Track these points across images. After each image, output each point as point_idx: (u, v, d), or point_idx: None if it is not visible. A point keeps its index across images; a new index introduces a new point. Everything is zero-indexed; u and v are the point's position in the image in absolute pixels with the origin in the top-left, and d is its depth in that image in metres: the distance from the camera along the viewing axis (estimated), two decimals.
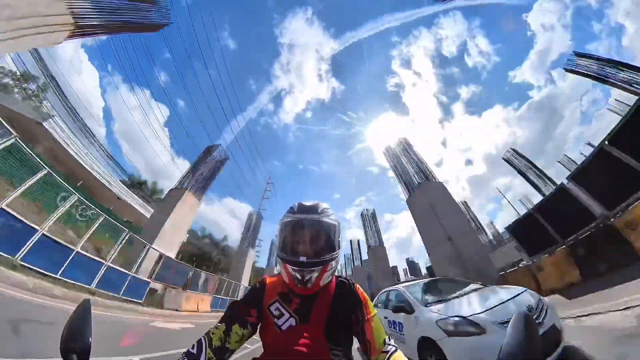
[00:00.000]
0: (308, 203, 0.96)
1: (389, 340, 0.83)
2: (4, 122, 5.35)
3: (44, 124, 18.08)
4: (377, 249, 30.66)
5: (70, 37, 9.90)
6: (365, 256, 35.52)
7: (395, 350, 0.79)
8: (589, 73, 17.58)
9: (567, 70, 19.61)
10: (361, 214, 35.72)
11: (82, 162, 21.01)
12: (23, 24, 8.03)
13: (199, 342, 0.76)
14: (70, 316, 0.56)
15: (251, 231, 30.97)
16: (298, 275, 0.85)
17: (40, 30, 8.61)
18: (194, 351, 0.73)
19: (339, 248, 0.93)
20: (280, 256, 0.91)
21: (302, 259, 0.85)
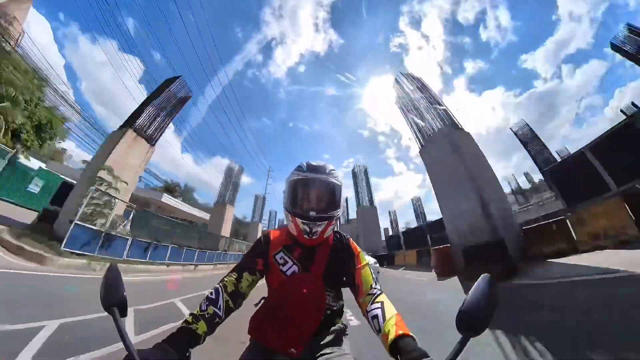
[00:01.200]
0: (316, 163, 1.04)
1: (375, 285, 0.96)
2: None
3: None
4: (367, 210, 28.97)
5: None
6: (353, 215, 34.11)
7: (380, 293, 0.92)
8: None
9: (613, 47, 16.12)
10: (352, 171, 33.15)
11: None
12: None
13: (216, 289, 0.88)
14: (103, 278, 0.65)
15: (231, 186, 27.91)
16: (307, 228, 0.97)
17: None
18: (213, 296, 0.86)
19: (340, 207, 1.03)
20: (290, 211, 1.00)
21: (312, 214, 0.96)
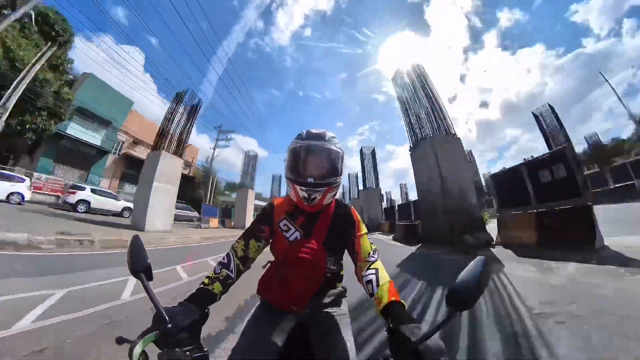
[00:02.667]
0: (316, 130, 1.06)
1: (373, 253, 1.02)
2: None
3: None
4: (372, 190, 30.14)
5: None
6: (361, 187, 35.25)
7: (376, 261, 0.99)
8: None
9: None
10: (360, 150, 33.38)
11: None
12: None
13: (228, 254, 0.99)
14: (129, 248, 0.73)
15: (250, 172, 29.50)
16: (305, 194, 1.00)
17: None
18: (225, 261, 0.96)
19: (341, 174, 1.05)
20: (290, 178, 1.03)
21: (310, 180, 0.99)
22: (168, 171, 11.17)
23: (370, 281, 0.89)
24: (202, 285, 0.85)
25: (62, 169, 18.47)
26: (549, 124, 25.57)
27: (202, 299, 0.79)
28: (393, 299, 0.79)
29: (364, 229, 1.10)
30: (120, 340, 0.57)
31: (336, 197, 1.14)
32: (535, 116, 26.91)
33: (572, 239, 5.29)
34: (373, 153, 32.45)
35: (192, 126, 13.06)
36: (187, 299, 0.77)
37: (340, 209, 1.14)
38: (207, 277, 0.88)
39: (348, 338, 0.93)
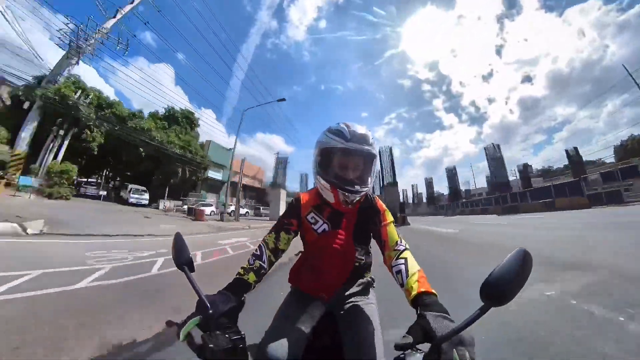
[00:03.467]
0: (360, 131, 0.97)
1: (401, 242, 1.00)
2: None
3: None
4: (390, 187, 35.07)
5: None
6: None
7: (405, 250, 0.95)
8: None
9: None
10: (378, 151, 42.11)
11: None
12: None
13: (260, 247, 1.03)
14: (172, 244, 0.81)
15: (281, 172, 37.90)
16: (347, 199, 1.01)
17: None
18: (258, 253, 1.00)
19: (375, 176, 1.08)
20: (329, 180, 1.01)
21: (357, 187, 0.99)
22: (279, 195, 27.25)
23: (399, 271, 0.87)
24: (238, 276, 0.90)
25: (209, 195, 35.72)
26: None
27: (238, 288, 0.85)
28: (423, 289, 0.76)
29: (389, 218, 1.10)
30: (169, 323, 0.66)
31: None
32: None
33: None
34: (390, 152, 40.34)
35: (285, 174, 27.44)
36: (225, 288, 0.83)
37: (366, 200, 1.12)
38: (242, 267, 0.93)
39: (375, 327, 0.94)
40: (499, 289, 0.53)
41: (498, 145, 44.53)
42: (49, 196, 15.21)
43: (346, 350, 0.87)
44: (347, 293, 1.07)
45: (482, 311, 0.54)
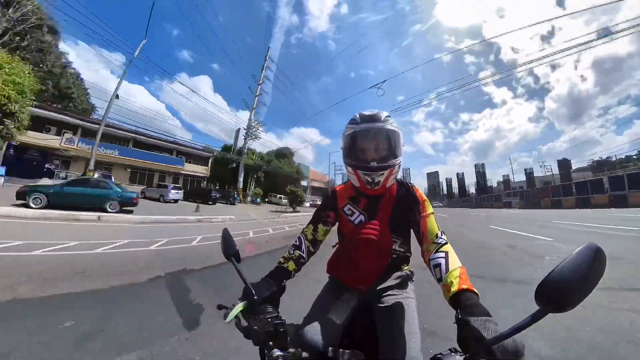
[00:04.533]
0: (369, 112, 1.03)
1: (441, 235, 0.95)
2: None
3: None
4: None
5: None
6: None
7: (446, 243, 0.90)
8: None
9: None
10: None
11: None
12: None
13: (299, 238, 1.07)
14: (221, 238, 0.91)
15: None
16: (369, 179, 1.00)
17: None
18: (297, 243, 1.05)
19: (401, 154, 1.03)
20: (350, 164, 1.04)
21: (372, 164, 0.98)
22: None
23: (438, 265, 0.82)
24: (278, 264, 0.97)
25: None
26: None
27: (279, 276, 0.92)
28: (464, 286, 0.70)
29: (429, 209, 1.06)
30: (220, 307, 0.75)
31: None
32: None
33: None
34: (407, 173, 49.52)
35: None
36: (267, 275, 0.91)
37: (403, 189, 1.12)
38: (283, 257, 1.00)
39: (412, 322, 0.93)
40: (561, 291, 0.44)
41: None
42: (255, 203, 35.16)
43: (381, 343, 0.88)
44: (384, 286, 1.07)
45: (537, 317, 0.46)
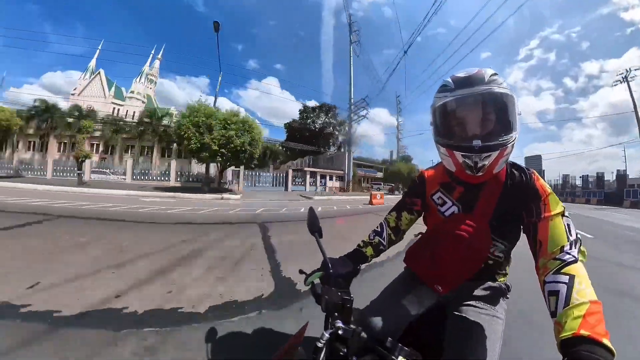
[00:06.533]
0: (466, 73, 0.76)
1: (571, 248, 0.64)
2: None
3: None
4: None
5: None
6: None
7: (575, 261, 0.61)
8: None
9: None
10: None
11: None
12: None
13: (381, 224, 1.03)
14: (307, 215, 0.97)
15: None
16: (469, 162, 0.76)
17: None
18: (379, 229, 1.02)
19: (516, 128, 0.74)
20: (444, 143, 0.81)
21: (475, 142, 0.72)
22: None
23: (556, 292, 0.57)
24: (357, 247, 0.98)
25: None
26: None
27: (356, 258, 0.93)
28: (586, 333, 0.48)
29: (556, 208, 0.73)
30: (300, 271, 0.85)
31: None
32: None
33: None
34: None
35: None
36: (346, 255, 0.93)
37: (517, 177, 0.82)
38: (363, 241, 0.99)
39: (492, 347, 0.74)
40: None
41: None
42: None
43: (445, 356, 0.75)
44: (468, 294, 0.88)
45: None
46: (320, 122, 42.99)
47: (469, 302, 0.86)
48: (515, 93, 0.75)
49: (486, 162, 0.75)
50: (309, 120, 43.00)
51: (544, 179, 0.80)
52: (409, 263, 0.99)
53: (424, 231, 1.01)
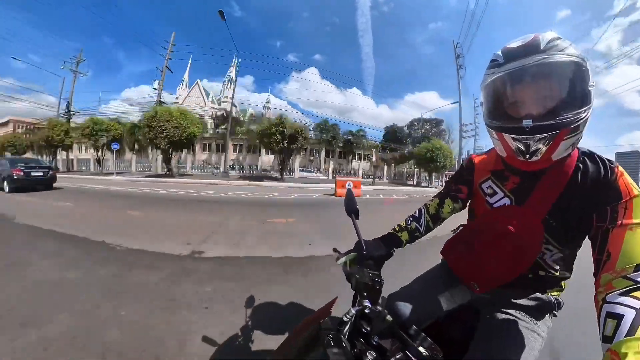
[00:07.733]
0: (518, 42, 0.64)
1: None
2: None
3: None
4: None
5: None
6: None
7: None
8: None
9: None
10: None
11: None
12: None
13: (420, 210, 0.97)
14: (345, 197, 0.95)
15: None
16: (521, 146, 0.65)
17: None
18: (417, 215, 0.96)
19: (586, 103, 0.60)
20: (492, 124, 0.71)
21: (526, 122, 0.61)
22: None
23: (618, 316, 0.47)
24: (392, 231, 0.94)
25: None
26: None
27: (390, 241, 0.90)
28: None
29: None
30: (334, 250, 0.86)
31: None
32: None
33: None
34: None
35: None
36: (380, 238, 0.90)
37: (591, 170, 0.66)
38: (399, 225, 0.95)
39: None
40: None
41: None
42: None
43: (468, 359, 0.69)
44: (508, 299, 0.79)
45: None
46: (422, 131, 43.80)
47: (507, 310, 0.78)
48: (586, 60, 0.59)
49: (541, 146, 0.63)
50: (411, 129, 45.69)
51: None
52: (445, 254, 0.92)
53: (463, 224, 0.92)
